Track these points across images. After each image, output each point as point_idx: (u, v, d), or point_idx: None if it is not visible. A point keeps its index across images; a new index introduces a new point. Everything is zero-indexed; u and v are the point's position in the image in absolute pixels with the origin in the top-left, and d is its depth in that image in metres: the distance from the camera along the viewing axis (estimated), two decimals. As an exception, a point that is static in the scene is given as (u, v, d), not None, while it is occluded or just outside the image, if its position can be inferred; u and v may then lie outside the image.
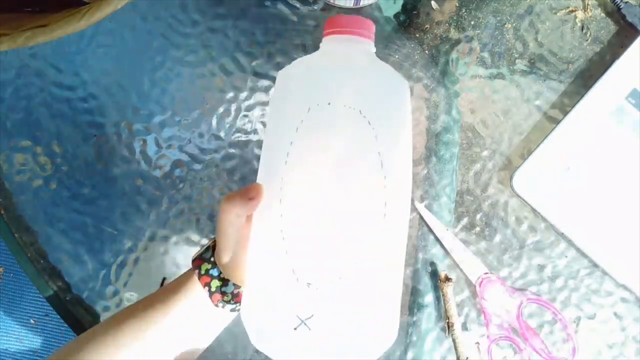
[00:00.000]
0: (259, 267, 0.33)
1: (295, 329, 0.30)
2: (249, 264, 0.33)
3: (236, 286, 0.35)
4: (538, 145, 0.46)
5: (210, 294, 0.35)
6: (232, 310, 0.36)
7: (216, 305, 0.35)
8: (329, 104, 0.31)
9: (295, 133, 0.31)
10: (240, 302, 0.36)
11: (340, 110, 0.31)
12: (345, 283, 0.31)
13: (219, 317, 0.36)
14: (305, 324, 0.30)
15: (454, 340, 0.46)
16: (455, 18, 0.48)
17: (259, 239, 0.33)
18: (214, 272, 0.35)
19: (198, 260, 0.36)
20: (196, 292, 0.35)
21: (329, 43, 0.35)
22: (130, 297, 0.49)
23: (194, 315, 0.35)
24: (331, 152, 0.31)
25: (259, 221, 0.33)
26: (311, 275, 0.30)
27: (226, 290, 0.35)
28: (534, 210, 0.46)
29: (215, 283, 0.35)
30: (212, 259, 0.35)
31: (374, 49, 0.35)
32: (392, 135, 0.33)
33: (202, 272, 0.35)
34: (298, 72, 0.34)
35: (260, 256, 0.33)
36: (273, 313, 0.31)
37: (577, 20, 0.47)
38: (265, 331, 0.31)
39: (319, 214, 0.31)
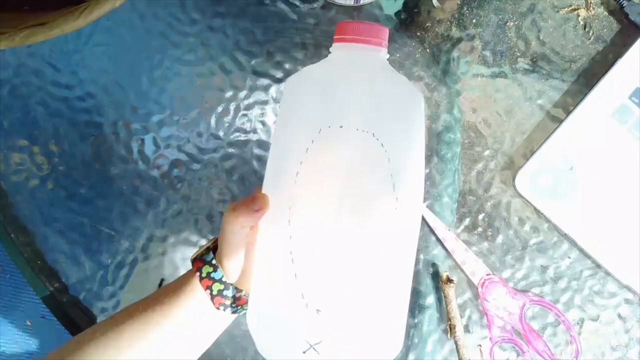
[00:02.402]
0: (267, 286, 0.32)
1: (304, 352, 0.30)
2: (256, 278, 0.33)
3: (238, 290, 0.35)
4: (541, 145, 0.45)
5: (212, 297, 0.34)
6: (233, 312, 0.35)
7: (217, 308, 0.35)
8: (341, 126, 0.31)
9: (305, 153, 0.31)
10: (241, 306, 0.36)
11: (352, 134, 0.31)
12: (354, 308, 0.31)
13: (219, 320, 0.36)
14: (314, 349, 0.30)
15: (456, 343, 0.45)
16: (456, 16, 0.47)
17: (267, 257, 0.33)
18: (216, 276, 0.34)
19: (199, 262, 0.35)
20: (197, 295, 0.35)
21: (341, 50, 0.33)
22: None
23: (195, 317, 0.35)
24: (342, 175, 0.31)
25: (267, 239, 0.33)
26: (320, 301, 0.30)
27: (228, 294, 0.35)
28: (536, 211, 0.46)
29: (217, 286, 0.34)
30: (213, 262, 0.35)
31: (387, 55, 0.34)
32: (405, 156, 0.32)
33: (204, 274, 0.35)
34: (308, 84, 0.33)
35: (268, 275, 0.33)
36: (282, 335, 0.31)
37: (579, 18, 0.47)
38: (274, 349, 0.32)
39: (329, 238, 0.31)
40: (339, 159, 0.31)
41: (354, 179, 0.31)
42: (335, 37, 0.34)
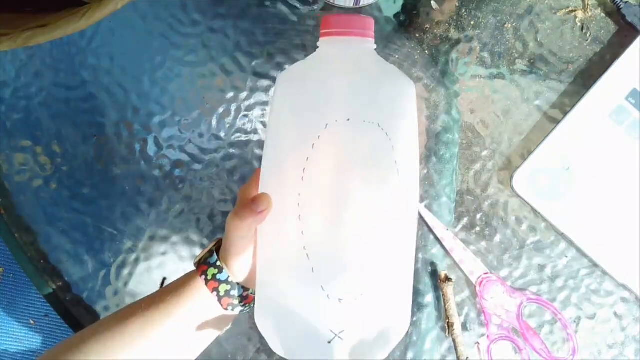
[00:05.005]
0: (284, 285, 0.33)
1: (329, 342, 0.31)
2: (265, 276, 0.34)
3: (244, 288, 0.35)
4: (538, 145, 0.46)
5: (219, 298, 0.35)
6: (241, 311, 0.36)
7: (226, 309, 0.35)
8: (348, 120, 0.31)
9: (312, 149, 0.31)
10: (249, 304, 0.36)
11: (359, 126, 0.31)
12: (371, 292, 0.32)
13: (223, 319, 0.36)
14: (339, 337, 0.31)
15: (454, 340, 0.46)
16: (455, 18, 0.48)
17: (280, 256, 0.33)
18: (222, 277, 0.35)
19: (203, 266, 0.36)
20: (201, 296, 0.35)
21: (329, 45, 0.34)
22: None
23: (199, 317, 0.35)
24: (351, 167, 0.31)
25: (277, 238, 0.33)
26: (341, 291, 0.31)
27: (235, 294, 0.35)
28: (534, 210, 0.46)
29: (224, 287, 0.35)
30: (218, 264, 0.35)
31: (374, 46, 0.34)
32: (405, 141, 0.33)
33: (209, 277, 0.35)
34: (302, 81, 0.34)
35: (284, 273, 0.33)
36: (305, 330, 0.32)
37: (577, 20, 0.47)
38: (297, 345, 0.33)
39: (342, 229, 0.31)
40: (349, 151, 0.31)
41: (363, 169, 0.32)
42: (321, 31, 0.33)
